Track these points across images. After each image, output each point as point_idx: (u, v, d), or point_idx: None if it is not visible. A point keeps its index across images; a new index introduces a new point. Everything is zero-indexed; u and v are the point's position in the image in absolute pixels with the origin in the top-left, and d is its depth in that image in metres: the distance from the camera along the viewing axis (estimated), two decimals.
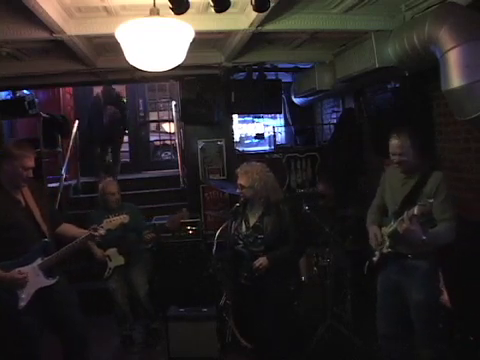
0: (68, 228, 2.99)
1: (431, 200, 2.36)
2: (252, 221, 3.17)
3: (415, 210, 2.38)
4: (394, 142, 2.70)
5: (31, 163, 2.67)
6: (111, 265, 3.87)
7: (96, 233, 2.86)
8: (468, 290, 3.06)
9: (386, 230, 2.73)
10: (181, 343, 3.62)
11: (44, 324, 2.72)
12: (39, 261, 2.65)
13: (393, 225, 2.63)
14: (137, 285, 3.97)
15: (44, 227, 2.73)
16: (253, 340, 3.15)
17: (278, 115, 7.71)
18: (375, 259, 2.79)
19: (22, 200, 2.71)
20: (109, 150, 6.64)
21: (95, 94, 6.80)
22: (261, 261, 2.99)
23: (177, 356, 3.64)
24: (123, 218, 3.09)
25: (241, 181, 3.12)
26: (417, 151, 2.67)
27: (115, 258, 3.87)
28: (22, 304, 2.55)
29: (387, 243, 2.70)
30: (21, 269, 2.56)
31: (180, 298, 4.13)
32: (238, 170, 3.20)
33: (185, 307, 3.80)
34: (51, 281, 2.70)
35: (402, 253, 2.67)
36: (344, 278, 3.89)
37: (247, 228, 3.16)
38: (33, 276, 2.61)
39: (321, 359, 3.50)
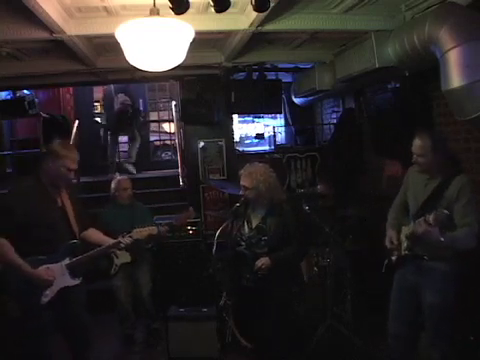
0: (94, 233, 3.05)
1: (446, 211, 2.36)
2: (255, 222, 3.15)
3: (430, 217, 2.37)
4: (416, 142, 2.64)
5: (74, 165, 2.71)
6: (117, 262, 3.89)
7: (123, 242, 2.97)
8: (468, 290, 3.06)
9: (405, 230, 2.70)
10: (181, 343, 3.62)
11: (58, 322, 2.75)
12: (67, 261, 2.72)
13: (411, 227, 2.61)
14: (142, 284, 4.00)
15: (76, 229, 2.80)
16: (253, 340, 3.15)
17: (278, 115, 7.71)
18: (394, 258, 2.78)
19: (59, 200, 2.76)
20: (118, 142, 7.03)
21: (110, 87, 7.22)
22: (263, 261, 2.98)
23: (177, 356, 3.64)
24: (151, 230, 3.19)
25: (245, 182, 3.11)
26: (438, 154, 2.60)
27: (122, 255, 3.87)
28: (45, 300, 2.61)
29: (405, 244, 2.69)
30: (49, 266, 2.63)
31: (180, 298, 4.13)
32: (241, 171, 3.19)
33: (185, 307, 3.81)
34: (76, 281, 2.78)
35: (419, 254, 2.65)
36: (344, 278, 3.88)
37: (250, 229, 3.15)
38: (59, 274, 2.68)
39: (321, 359, 3.50)
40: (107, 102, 7.13)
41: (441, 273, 2.59)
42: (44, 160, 2.70)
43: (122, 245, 3.00)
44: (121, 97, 6.78)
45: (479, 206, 2.57)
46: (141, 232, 3.13)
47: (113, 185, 4.14)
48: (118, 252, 3.82)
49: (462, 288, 2.68)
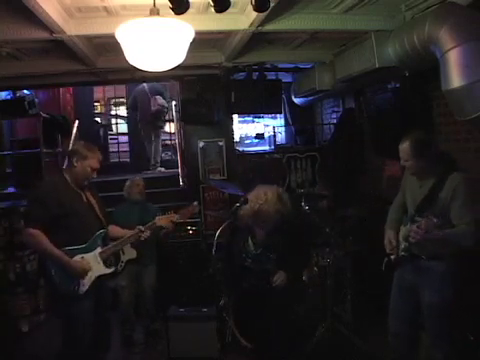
0: (114, 229, 3.17)
1: (435, 219, 2.38)
2: (260, 237, 3.10)
3: (422, 224, 2.40)
4: (401, 147, 2.66)
5: (98, 165, 2.89)
6: (124, 258, 3.91)
7: (144, 230, 3.13)
8: (467, 289, 3.06)
9: (403, 231, 2.72)
10: (181, 343, 3.62)
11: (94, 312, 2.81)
12: (99, 249, 2.84)
13: (408, 229, 2.63)
14: (147, 285, 4.03)
15: (103, 220, 2.95)
16: (253, 340, 3.15)
17: (278, 115, 7.70)
18: (393, 257, 2.79)
19: (83, 196, 2.91)
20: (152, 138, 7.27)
21: (140, 86, 7.31)
22: (281, 277, 2.94)
23: (177, 356, 3.64)
24: (172, 216, 3.33)
25: (274, 211, 2.98)
26: (424, 157, 2.61)
27: (128, 251, 3.90)
28: (83, 289, 2.70)
29: (402, 245, 2.70)
30: (84, 255, 2.73)
31: (180, 298, 4.13)
32: (261, 201, 3.02)
33: (185, 307, 3.80)
34: (110, 270, 2.90)
35: (416, 254, 2.66)
36: (344, 278, 3.88)
37: (255, 245, 3.10)
38: (94, 263, 2.79)
39: (321, 359, 3.49)
40: (135, 103, 7.37)
41: (439, 273, 2.60)
42: (70, 160, 2.84)
43: (147, 233, 3.13)
44: (159, 99, 7.10)
45: (477, 205, 2.57)
46: (163, 219, 3.27)
47: (127, 183, 4.25)
48: (125, 248, 3.87)
49: (461, 287, 2.69)
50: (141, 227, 3.15)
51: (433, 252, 2.59)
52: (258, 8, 2.79)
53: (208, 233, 4.94)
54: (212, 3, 2.67)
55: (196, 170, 5.51)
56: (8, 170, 5.89)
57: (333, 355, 3.50)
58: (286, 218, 3.06)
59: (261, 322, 3.04)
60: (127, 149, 8.54)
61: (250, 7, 2.91)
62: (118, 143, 8.85)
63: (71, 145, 6.21)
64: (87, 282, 2.72)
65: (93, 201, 2.95)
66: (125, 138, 8.82)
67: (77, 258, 2.70)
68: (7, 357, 3.77)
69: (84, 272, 2.70)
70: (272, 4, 2.81)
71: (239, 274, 3.14)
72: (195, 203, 3.82)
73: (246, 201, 3.16)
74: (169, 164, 7.50)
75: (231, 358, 3.53)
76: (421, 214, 2.56)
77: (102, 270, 2.84)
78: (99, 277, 2.81)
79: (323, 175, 5.79)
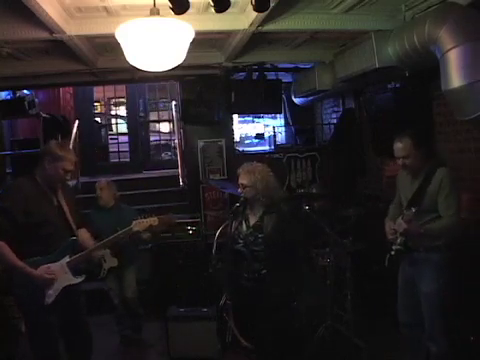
0: (82, 233, 2.98)
1: (414, 209, 2.57)
2: (252, 221, 3.16)
3: (404, 215, 2.61)
4: (397, 146, 2.78)
5: (72, 166, 2.71)
6: (105, 266, 3.84)
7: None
8: (467, 290, 3.06)
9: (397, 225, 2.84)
10: (181, 343, 3.63)
11: (62, 326, 2.71)
12: (67, 259, 2.68)
13: (399, 222, 2.75)
14: (126, 286, 3.99)
15: (74, 226, 2.79)
16: (253, 340, 3.15)
17: (278, 115, 7.71)
18: (392, 253, 2.86)
19: (55, 199, 2.75)
20: None
21: None
22: None
23: (177, 356, 3.64)
24: (152, 220, 3.14)
25: (243, 180, 3.11)
26: (421, 153, 2.74)
27: (109, 260, 3.80)
28: (49, 300, 2.57)
29: (399, 240, 2.79)
30: (50, 265, 2.58)
31: (180, 298, 4.13)
32: (240, 170, 3.19)
33: (185, 307, 3.81)
34: (78, 279, 2.74)
35: (412, 247, 2.74)
36: (344, 278, 3.88)
37: (247, 227, 3.16)
38: (61, 273, 2.63)
39: (321, 359, 3.49)
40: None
41: (434, 263, 2.68)
42: (41, 161, 2.67)
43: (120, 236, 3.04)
44: None
45: (471, 201, 2.64)
46: (141, 224, 3.10)
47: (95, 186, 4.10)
48: (106, 256, 3.75)
49: (460, 283, 2.74)
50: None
51: (426, 245, 2.68)
52: (258, 8, 2.79)
53: (208, 233, 4.94)
54: (212, 3, 2.67)
55: (196, 170, 5.51)
56: (8, 170, 5.89)
57: (333, 355, 3.50)
58: (273, 192, 3.11)
59: (261, 322, 3.04)
60: (127, 149, 8.55)
61: (250, 7, 2.91)
62: (118, 143, 8.87)
63: (71, 145, 6.24)
64: (53, 293, 2.58)
65: (64, 205, 2.77)
66: (125, 138, 8.84)
67: (43, 268, 2.55)
68: (7, 357, 3.77)
69: (48, 283, 2.56)
70: (272, 4, 2.81)
71: (234, 262, 3.15)
72: (171, 214, 3.74)
73: (246, 201, 3.18)
74: (169, 164, 7.50)
75: (231, 358, 3.53)
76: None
77: (70, 280, 2.67)
78: (69, 286, 2.68)
79: (323, 175, 5.79)
